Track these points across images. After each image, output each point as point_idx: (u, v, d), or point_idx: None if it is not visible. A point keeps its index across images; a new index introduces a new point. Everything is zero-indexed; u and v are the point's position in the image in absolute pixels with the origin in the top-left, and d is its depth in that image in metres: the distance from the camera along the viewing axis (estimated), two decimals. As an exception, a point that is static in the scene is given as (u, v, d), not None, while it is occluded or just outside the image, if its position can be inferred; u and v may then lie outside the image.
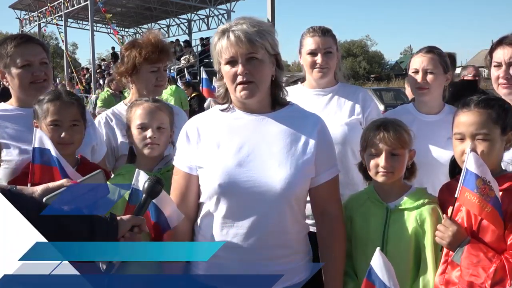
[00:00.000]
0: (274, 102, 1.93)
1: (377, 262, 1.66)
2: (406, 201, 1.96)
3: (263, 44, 1.79)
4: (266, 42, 1.80)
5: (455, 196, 1.78)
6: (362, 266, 1.96)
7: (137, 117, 2.17)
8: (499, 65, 2.38)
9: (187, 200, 1.94)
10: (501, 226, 1.73)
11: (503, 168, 1.94)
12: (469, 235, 1.80)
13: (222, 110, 1.96)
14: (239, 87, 1.81)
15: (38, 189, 1.75)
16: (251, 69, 1.78)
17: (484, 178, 1.71)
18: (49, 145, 1.99)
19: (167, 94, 9.21)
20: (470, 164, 1.73)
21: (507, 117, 1.83)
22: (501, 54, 2.36)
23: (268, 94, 1.91)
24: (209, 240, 1.87)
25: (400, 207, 1.96)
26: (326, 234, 1.94)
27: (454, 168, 2.05)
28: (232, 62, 1.80)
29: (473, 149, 1.79)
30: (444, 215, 1.84)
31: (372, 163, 1.99)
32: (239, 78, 1.79)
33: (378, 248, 1.67)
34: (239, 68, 1.78)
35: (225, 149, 1.85)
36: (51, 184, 1.75)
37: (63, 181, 1.74)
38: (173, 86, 9.71)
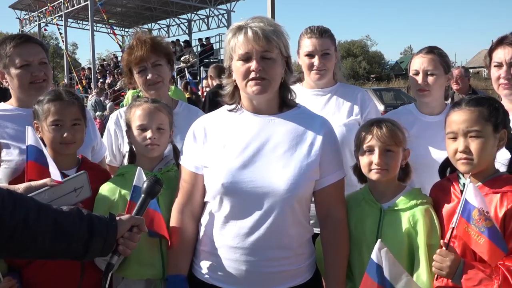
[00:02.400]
0: (281, 104, 1.93)
1: (381, 256, 1.65)
2: (399, 202, 1.95)
3: (278, 44, 1.80)
4: (281, 42, 1.82)
5: (453, 226, 1.73)
6: (357, 266, 1.95)
7: (136, 118, 2.17)
8: (499, 65, 2.35)
9: (193, 199, 1.95)
10: (496, 257, 1.68)
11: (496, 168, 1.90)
12: (461, 253, 1.78)
13: (229, 111, 1.96)
14: (251, 83, 1.80)
15: (21, 187, 1.75)
16: (265, 66, 1.79)
17: (480, 209, 1.68)
18: (34, 142, 2.00)
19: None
20: (469, 195, 1.69)
21: (499, 114, 1.83)
22: (501, 54, 2.34)
23: (277, 95, 1.91)
24: (211, 239, 1.87)
25: (393, 208, 1.95)
26: (329, 237, 1.92)
27: (444, 168, 2.05)
28: (246, 58, 1.80)
29: (466, 174, 1.76)
30: (442, 241, 1.78)
31: (366, 160, 1.98)
32: (252, 74, 1.79)
33: (379, 240, 1.67)
34: (253, 64, 1.78)
35: (230, 149, 1.85)
36: (34, 183, 1.74)
37: (46, 181, 1.73)
38: (172, 87, 9.69)
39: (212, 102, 3.14)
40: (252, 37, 1.76)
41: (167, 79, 2.67)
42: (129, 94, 9.93)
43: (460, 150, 1.81)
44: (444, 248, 1.75)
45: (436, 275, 1.80)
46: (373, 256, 1.69)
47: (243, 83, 1.83)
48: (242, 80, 1.83)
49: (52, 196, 1.69)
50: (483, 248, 1.67)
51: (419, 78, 2.51)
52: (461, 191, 1.82)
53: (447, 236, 1.76)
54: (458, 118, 1.84)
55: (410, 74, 2.59)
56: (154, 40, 2.61)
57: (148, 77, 2.56)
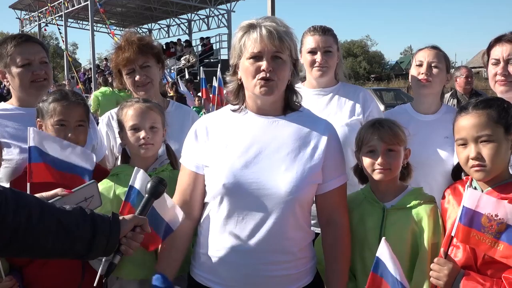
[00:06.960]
0: (286, 106, 1.91)
1: (384, 252, 1.60)
2: (402, 201, 1.95)
3: (290, 46, 1.78)
4: (292, 44, 1.80)
5: (451, 234, 1.66)
6: (358, 266, 1.95)
7: (129, 119, 2.16)
8: (497, 62, 2.34)
9: (192, 199, 1.92)
10: None
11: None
12: (466, 260, 1.71)
13: (233, 111, 1.93)
14: (260, 82, 1.77)
15: None
16: (275, 67, 1.76)
17: (489, 214, 1.58)
18: (37, 143, 1.98)
19: None
20: (469, 201, 1.61)
21: (509, 115, 1.73)
22: (499, 51, 2.33)
23: (282, 97, 1.89)
24: (210, 241, 1.85)
25: (396, 207, 1.94)
26: (331, 243, 1.90)
27: (458, 172, 2.00)
28: (256, 57, 1.77)
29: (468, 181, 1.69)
30: (442, 249, 1.73)
31: (369, 161, 1.98)
32: (262, 74, 1.76)
33: (383, 238, 1.63)
34: (264, 64, 1.75)
35: (232, 149, 1.82)
36: (45, 194, 1.74)
37: (57, 191, 1.74)
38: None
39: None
40: (266, 35, 1.73)
41: (157, 79, 2.65)
42: (94, 95, 9.83)
43: (472, 157, 1.71)
44: (443, 256, 1.69)
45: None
46: (379, 253, 1.64)
47: (251, 82, 1.79)
48: (251, 79, 1.79)
49: (63, 205, 1.69)
50: (505, 253, 1.57)
51: (423, 68, 2.50)
52: None
53: (445, 247, 1.71)
54: (467, 123, 1.75)
55: (414, 66, 2.57)
56: (142, 41, 2.57)
57: (136, 79, 2.55)
